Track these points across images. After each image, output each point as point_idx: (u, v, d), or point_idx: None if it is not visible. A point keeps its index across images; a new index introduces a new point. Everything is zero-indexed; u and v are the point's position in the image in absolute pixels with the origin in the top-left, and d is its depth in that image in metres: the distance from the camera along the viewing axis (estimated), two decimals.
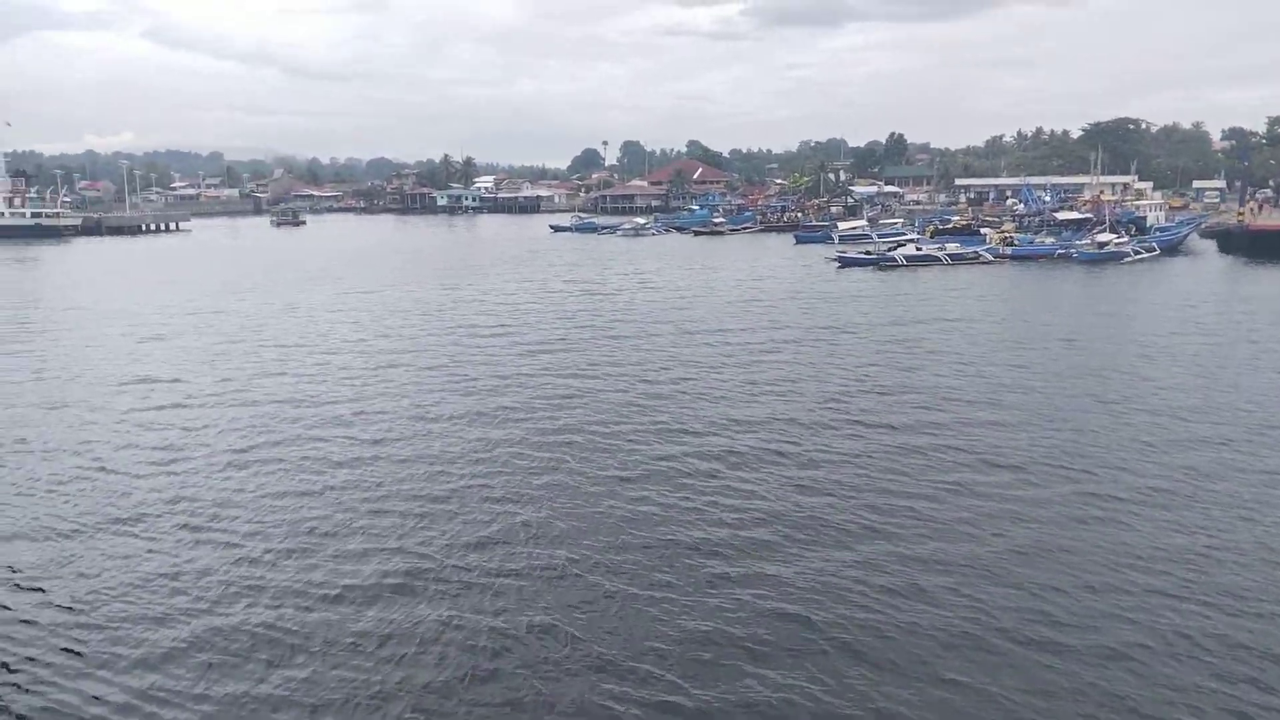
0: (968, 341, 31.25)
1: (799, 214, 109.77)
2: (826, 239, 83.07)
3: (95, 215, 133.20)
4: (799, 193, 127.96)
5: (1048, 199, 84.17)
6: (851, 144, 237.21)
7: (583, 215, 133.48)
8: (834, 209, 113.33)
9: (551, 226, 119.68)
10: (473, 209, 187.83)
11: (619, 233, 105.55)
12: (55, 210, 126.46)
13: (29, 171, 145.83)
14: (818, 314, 38.60)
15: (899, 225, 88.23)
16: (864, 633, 11.06)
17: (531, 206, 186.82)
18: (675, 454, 18.26)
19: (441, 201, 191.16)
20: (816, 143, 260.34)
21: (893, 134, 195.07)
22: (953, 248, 64.12)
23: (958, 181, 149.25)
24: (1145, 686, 9.95)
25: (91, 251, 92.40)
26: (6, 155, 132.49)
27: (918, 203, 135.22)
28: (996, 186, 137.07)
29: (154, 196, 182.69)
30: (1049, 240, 67.71)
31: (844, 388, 24.14)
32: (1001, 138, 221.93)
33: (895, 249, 63.73)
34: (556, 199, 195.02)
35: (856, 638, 10.95)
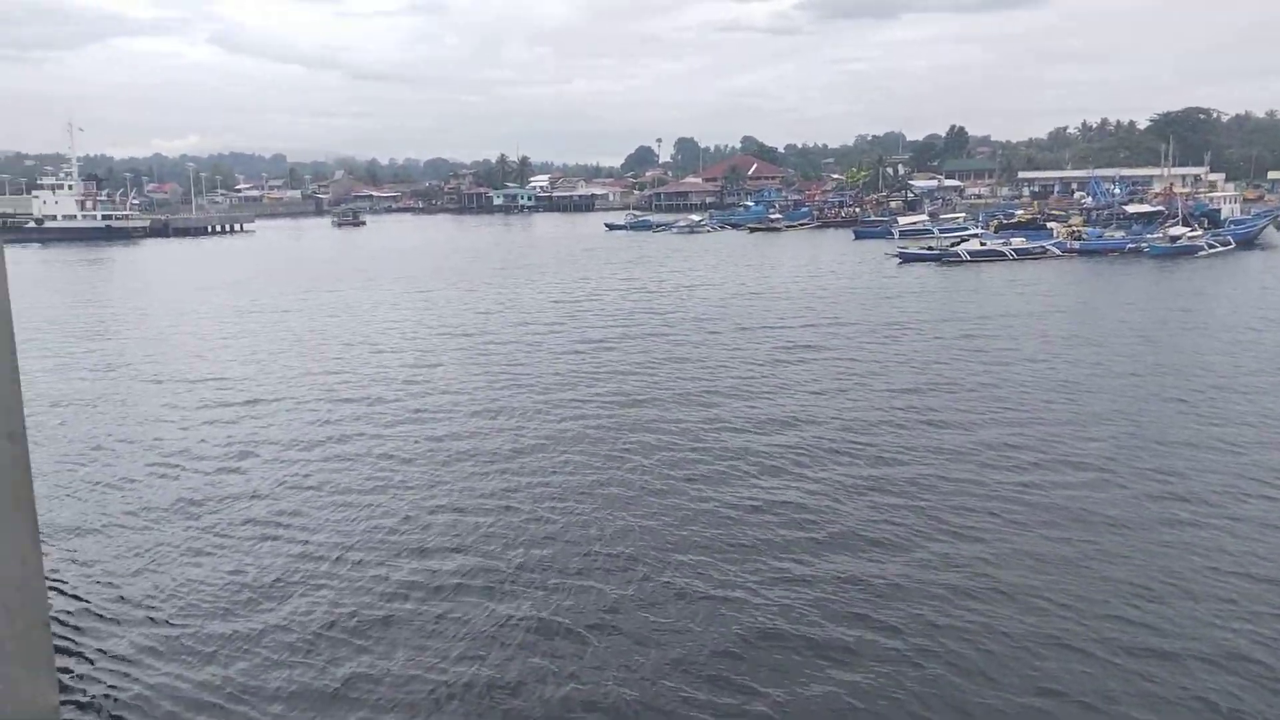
0: (1039, 339, 30.36)
1: (857, 209, 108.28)
2: (886, 234, 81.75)
3: (163, 217, 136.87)
4: (856, 188, 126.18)
5: (1117, 192, 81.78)
6: (909, 138, 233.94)
7: (637, 213, 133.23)
8: (893, 204, 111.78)
9: (606, 225, 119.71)
10: (528, 208, 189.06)
11: (674, 230, 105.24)
12: (125, 213, 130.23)
13: (100, 175, 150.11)
14: (880, 310, 37.89)
15: (961, 220, 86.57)
16: (950, 637, 10.64)
17: (585, 205, 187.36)
18: (741, 450, 17.93)
19: (497, 201, 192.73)
20: (874, 137, 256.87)
21: (953, 127, 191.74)
22: (1018, 242, 62.61)
23: (1021, 175, 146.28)
24: (1260, 696, 9.39)
25: (160, 252, 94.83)
26: (79, 160, 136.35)
27: (979, 197, 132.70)
28: (1061, 179, 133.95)
29: (219, 198, 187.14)
30: (1119, 234, 65.70)
31: (912, 384, 23.56)
32: (1065, 130, 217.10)
33: (958, 244, 62.40)
34: (610, 197, 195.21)
35: (942, 642, 10.53)
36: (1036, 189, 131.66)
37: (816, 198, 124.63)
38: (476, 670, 10.20)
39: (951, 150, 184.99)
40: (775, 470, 16.73)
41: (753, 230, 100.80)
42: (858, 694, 9.57)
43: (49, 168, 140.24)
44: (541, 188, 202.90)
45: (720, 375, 25.25)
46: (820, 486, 15.81)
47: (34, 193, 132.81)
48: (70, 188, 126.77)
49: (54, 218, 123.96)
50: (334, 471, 17.49)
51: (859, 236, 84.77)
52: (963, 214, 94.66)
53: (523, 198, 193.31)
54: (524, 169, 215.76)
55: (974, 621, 10.95)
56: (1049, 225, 70.98)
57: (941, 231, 72.58)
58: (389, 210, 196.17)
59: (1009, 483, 15.76)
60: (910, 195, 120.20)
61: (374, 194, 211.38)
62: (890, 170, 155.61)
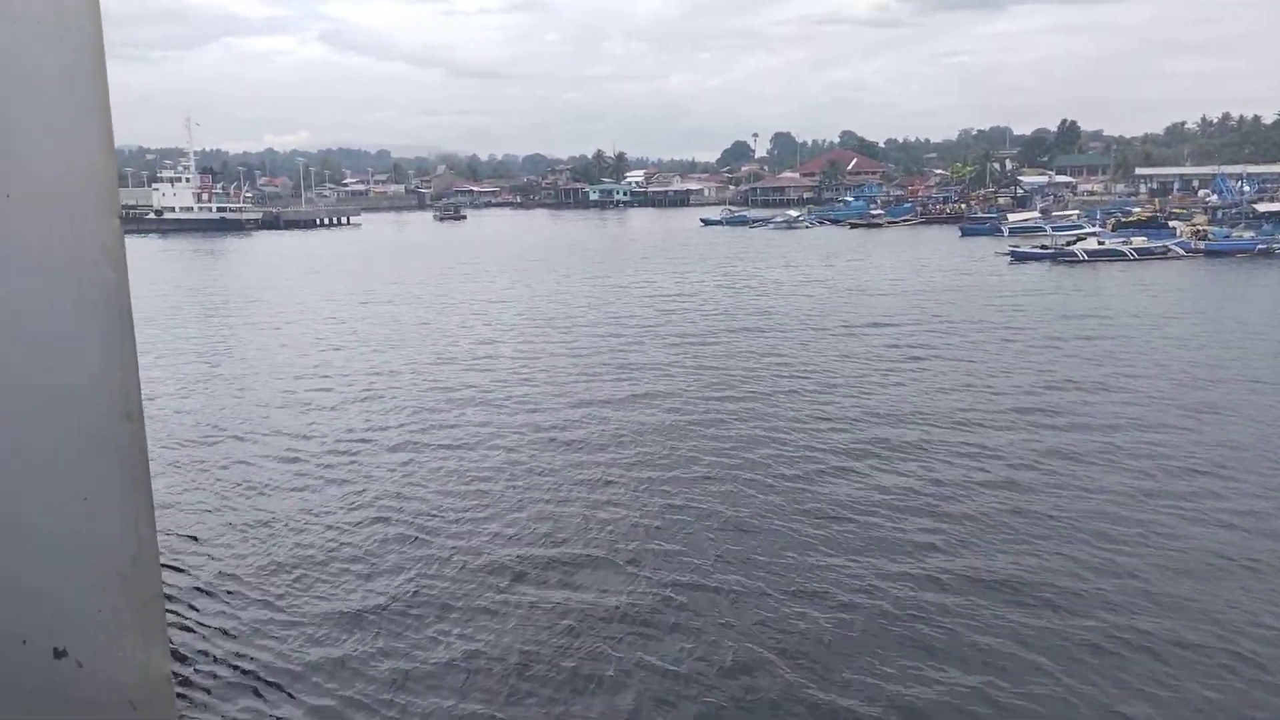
0: (1171, 343, 28.53)
1: (963, 205, 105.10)
2: (995, 232, 79.04)
3: (274, 210, 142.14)
4: (963, 183, 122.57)
5: (1245, 189, 77.22)
6: (1016, 132, 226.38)
7: (733, 208, 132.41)
8: (1001, 200, 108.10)
9: (702, 220, 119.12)
10: (623, 203, 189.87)
11: (771, 225, 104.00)
12: (239, 205, 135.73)
13: (216, 169, 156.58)
14: (995, 310, 36.30)
15: (1075, 217, 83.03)
16: (1112, 656, 9.74)
17: (681, 200, 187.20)
18: (854, 449, 17.11)
19: (593, 196, 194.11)
20: (979, 131, 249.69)
21: (1064, 121, 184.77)
22: (1139, 242, 59.53)
23: (1138, 171, 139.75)
24: None
25: (271, 244, 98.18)
26: (196, 154, 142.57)
27: (1092, 193, 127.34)
28: (1182, 176, 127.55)
29: (327, 192, 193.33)
30: (1248, 234, 61.84)
31: (1037, 388, 22.25)
32: (1183, 124, 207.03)
33: (1074, 243, 59.65)
34: (706, 192, 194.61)
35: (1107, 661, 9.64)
36: (1154, 186, 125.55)
37: (920, 193, 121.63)
38: (584, 666, 9.77)
39: (1062, 145, 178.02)
40: (894, 470, 15.88)
41: (853, 226, 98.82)
42: (993, 702, 8.79)
43: (168, 162, 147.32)
44: (637, 183, 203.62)
45: (830, 373, 24.39)
46: (948, 490, 14.91)
47: (154, 185, 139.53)
48: (187, 181, 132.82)
49: (172, 209, 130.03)
50: (445, 459, 17.40)
51: (966, 234, 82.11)
52: (1076, 211, 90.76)
53: (618, 193, 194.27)
54: (620, 164, 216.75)
55: (1126, 631, 10.02)
56: (1171, 224, 67.44)
57: (1055, 229, 69.58)
58: (488, 205, 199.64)
59: (1153, 493, 14.58)
60: (1019, 191, 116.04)
61: (474, 189, 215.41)
62: (997, 165, 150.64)
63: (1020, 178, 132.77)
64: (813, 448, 17.66)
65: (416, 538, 13.66)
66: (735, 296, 42.38)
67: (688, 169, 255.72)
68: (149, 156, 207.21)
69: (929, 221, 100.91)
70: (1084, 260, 56.53)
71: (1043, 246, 60.68)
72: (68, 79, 1.68)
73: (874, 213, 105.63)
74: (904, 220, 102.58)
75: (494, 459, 17.47)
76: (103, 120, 1.80)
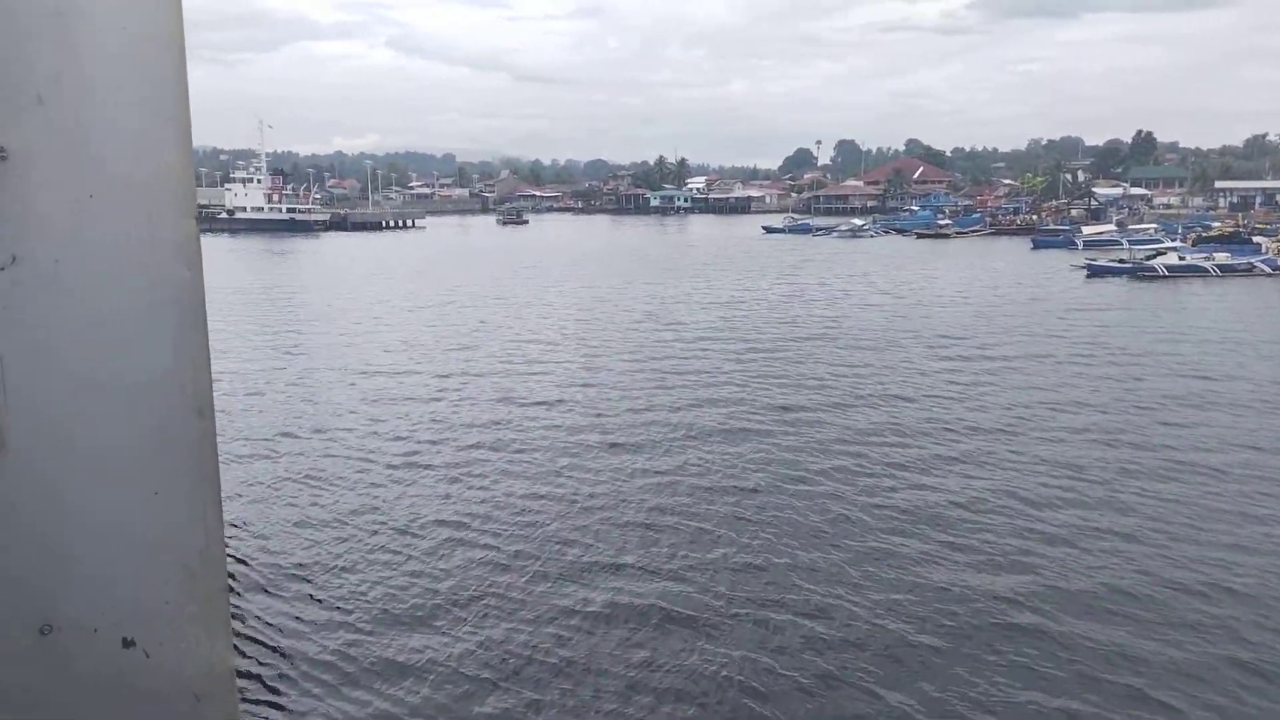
0: (1270, 364, 27.20)
1: (1034, 217, 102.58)
2: (1069, 245, 76.93)
3: (342, 211, 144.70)
4: (1034, 194, 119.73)
5: None
6: (1088, 142, 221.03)
7: (795, 216, 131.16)
8: (1073, 212, 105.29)
9: (764, 227, 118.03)
10: (684, 209, 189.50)
11: (834, 234, 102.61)
12: (307, 206, 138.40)
13: (286, 170, 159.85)
14: (1075, 326, 35.06)
15: (1152, 231, 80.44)
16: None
17: (742, 207, 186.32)
18: (932, 462, 16.44)
19: (654, 202, 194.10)
20: (1050, 141, 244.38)
21: (1139, 132, 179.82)
22: (1222, 257, 57.21)
23: (1217, 184, 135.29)
24: None
25: (338, 245, 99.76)
26: (268, 155, 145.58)
27: (1169, 207, 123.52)
28: (1264, 190, 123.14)
29: (393, 195, 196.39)
30: None
31: (1123, 411, 21.29)
32: (1264, 136, 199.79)
33: (1153, 257, 57.59)
34: (767, 199, 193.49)
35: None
36: (1235, 200, 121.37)
37: (989, 204, 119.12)
38: (657, 679, 9.34)
39: (1137, 156, 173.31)
40: (975, 503, 15.16)
41: (920, 236, 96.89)
42: None
43: (240, 162, 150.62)
44: (698, 190, 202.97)
45: (905, 385, 23.66)
46: (1041, 526, 14.18)
47: (226, 186, 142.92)
48: (259, 182, 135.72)
49: (243, 209, 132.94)
50: (512, 462, 17.17)
51: (1037, 246, 79.96)
52: (1153, 225, 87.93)
53: (679, 199, 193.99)
54: (681, 170, 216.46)
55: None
56: (1255, 239, 64.84)
57: (1131, 243, 67.40)
58: (549, 209, 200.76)
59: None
60: (1093, 203, 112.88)
61: (536, 193, 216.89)
62: (1069, 176, 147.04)
63: (1094, 189, 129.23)
64: (891, 461, 17.04)
65: (483, 542, 13.46)
66: (801, 306, 41.68)
67: (749, 176, 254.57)
68: (223, 157, 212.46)
69: (998, 233, 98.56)
70: (1164, 276, 54.55)
71: (1120, 261, 58.74)
72: (149, 85, 1.78)
73: (942, 223, 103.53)
74: (973, 231, 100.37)
75: (560, 464, 17.23)
76: (182, 124, 1.88)
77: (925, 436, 19.11)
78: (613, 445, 18.65)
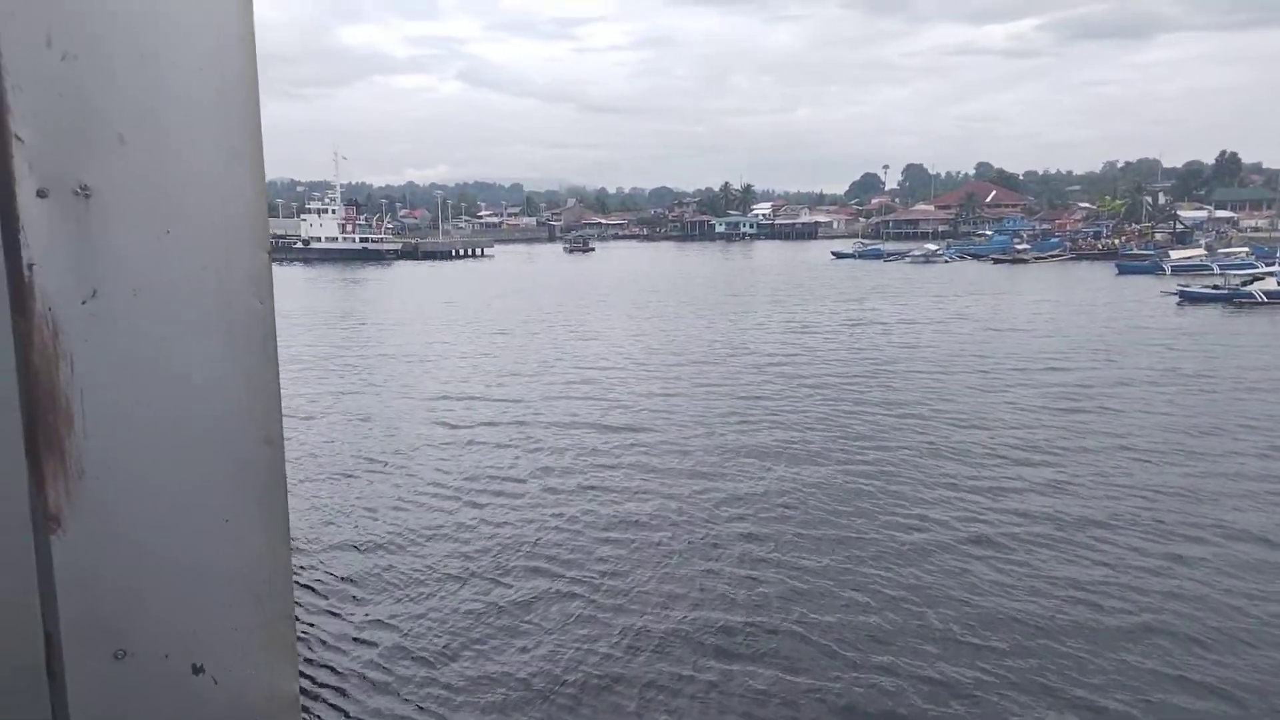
0: None
1: (1116, 241, 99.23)
2: (1156, 270, 74.09)
3: (413, 240, 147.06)
4: (1115, 217, 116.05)
5: None
6: (1166, 165, 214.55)
7: (865, 241, 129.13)
8: (1157, 236, 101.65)
9: (833, 253, 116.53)
10: (749, 235, 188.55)
11: (907, 260, 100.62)
12: (380, 236, 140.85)
13: (360, 201, 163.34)
14: (1178, 357, 33.23)
15: (1243, 255, 77.08)
16: None
17: (809, 233, 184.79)
18: (1040, 515, 15.27)
19: (719, 228, 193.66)
20: (1127, 163, 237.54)
21: (1223, 152, 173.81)
22: None
23: None
24: None
25: (409, 274, 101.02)
26: (342, 187, 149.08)
27: (1256, 229, 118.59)
28: None
29: (463, 224, 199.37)
30: None
31: (1246, 454, 19.76)
32: None
33: (1250, 283, 54.90)
34: (835, 224, 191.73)
35: None
36: None
37: (1067, 227, 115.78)
38: None
39: (1221, 178, 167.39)
40: (1072, 552, 13.97)
41: (997, 262, 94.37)
42: None
43: (315, 193, 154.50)
44: (764, 215, 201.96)
45: (995, 425, 22.40)
46: (1158, 579, 12.94)
47: (302, 216, 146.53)
48: (333, 212, 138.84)
49: (318, 239, 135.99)
50: (592, 503, 16.44)
51: (1122, 271, 77.17)
52: (1244, 248, 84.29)
53: (744, 225, 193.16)
54: (747, 196, 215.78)
55: None
56: None
57: (1222, 268, 64.51)
58: (615, 237, 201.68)
59: None
60: (1179, 226, 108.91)
61: (602, 221, 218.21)
62: (1149, 199, 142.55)
63: (1177, 212, 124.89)
64: (997, 509, 15.90)
65: (563, 591, 12.70)
66: (881, 333, 40.40)
67: (815, 201, 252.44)
68: (299, 189, 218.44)
69: (1079, 257, 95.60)
70: (1262, 303, 51.90)
71: (1214, 287, 56.13)
72: (225, 124, 1.90)
73: (1019, 247, 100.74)
74: (1052, 255, 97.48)
75: (646, 505, 16.37)
76: (255, 161, 1.98)
77: (1031, 476, 17.89)
78: (705, 491, 17.80)
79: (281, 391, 2.15)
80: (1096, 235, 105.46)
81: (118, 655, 1.78)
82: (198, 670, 1.91)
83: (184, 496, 1.90)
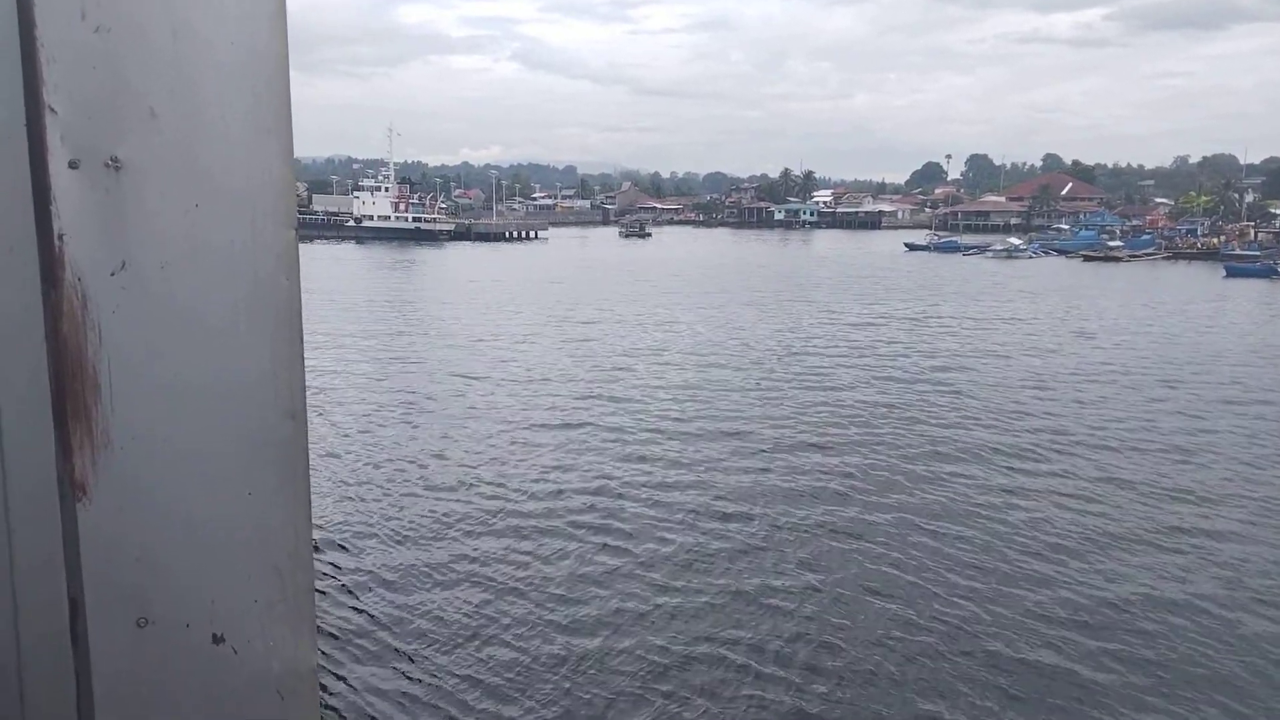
0: None
1: (1216, 240, 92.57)
2: (1270, 274, 68.29)
3: (466, 221, 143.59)
4: (1212, 214, 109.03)
5: None
6: (1242, 160, 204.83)
7: (940, 233, 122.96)
8: (1260, 235, 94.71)
9: (906, 244, 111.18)
10: (809, 223, 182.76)
11: (989, 254, 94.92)
12: (433, 216, 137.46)
13: (414, 180, 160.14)
14: None
15: None
16: None
17: (872, 222, 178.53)
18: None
19: (778, 216, 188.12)
20: (1204, 158, 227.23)
21: None
22: None
23: None
24: None
25: (461, 255, 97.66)
26: (397, 165, 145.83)
27: None
28: None
29: (516, 205, 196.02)
30: None
31: None
32: None
33: None
34: (899, 214, 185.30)
35: None
36: None
37: (1159, 224, 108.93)
38: None
39: None
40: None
41: (1087, 259, 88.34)
42: None
43: (370, 171, 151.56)
44: (824, 203, 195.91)
45: (1126, 453, 18.48)
46: None
47: (354, 194, 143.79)
48: (386, 190, 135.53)
49: (370, 218, 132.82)
50: (645, 501, 15.63)
51: (1231, 274, 71.16)
52: None
53: (804, 213, 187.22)
54: (808, 183, 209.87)
55: None
56: None
57: None
58: (670, 222, 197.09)
59: None
60: None
61: (656, 205, 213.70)
62: (1235, 195, 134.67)
63: (1273, 210, 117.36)
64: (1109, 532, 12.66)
65: (596, 562, 12.94)
66: (981, 338, 35.68)
67: (876, 190, 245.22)
68: (355, 166, 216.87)
69: (1175, 256, 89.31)
70: None
71: None
72: (254, 99, 1.93)
73: (1111, 244, 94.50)
74: (1145, 254, 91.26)
75: (695, 501, 15.53)
76: (283, 138, 2.01)
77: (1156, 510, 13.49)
78: (764, 490, 16.28)
79: (306, 370, 2.07)
80: (1192, 233, 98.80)
81: (140, 623, 1.82)
82: (218, 640, 1.94)
83: (208, 468, 1.92)
